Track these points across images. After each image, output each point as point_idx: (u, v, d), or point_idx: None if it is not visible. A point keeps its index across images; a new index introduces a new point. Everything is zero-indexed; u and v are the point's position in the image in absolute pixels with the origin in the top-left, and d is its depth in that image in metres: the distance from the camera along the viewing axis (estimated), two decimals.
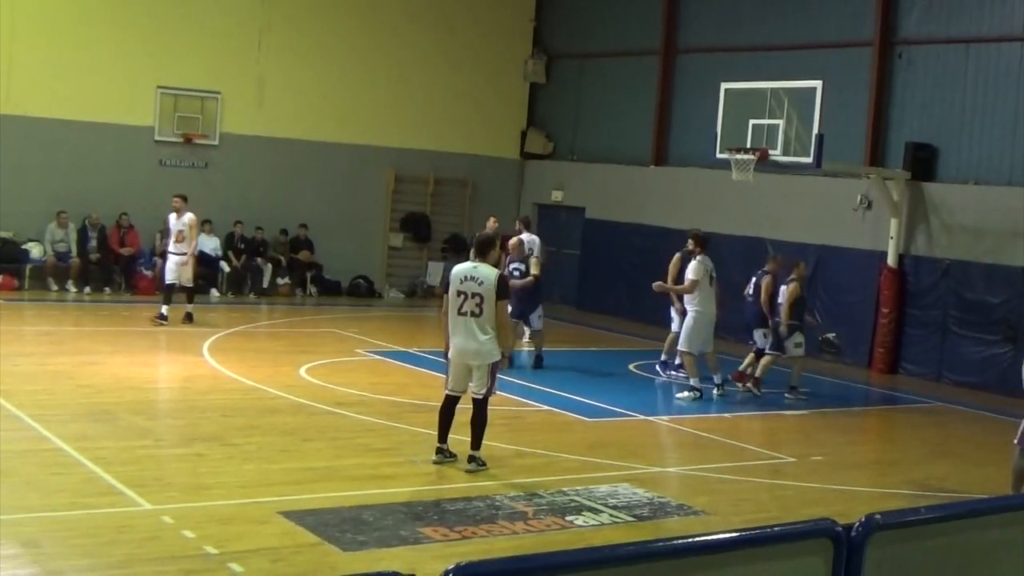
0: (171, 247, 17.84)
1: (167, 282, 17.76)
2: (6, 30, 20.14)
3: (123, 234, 21.07)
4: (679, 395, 14.74)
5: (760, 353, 15.35)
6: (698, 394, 14.49)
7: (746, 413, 14.44)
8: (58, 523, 7.95)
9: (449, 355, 10.26)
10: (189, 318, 17.61)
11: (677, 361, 15.81)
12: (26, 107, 20.42)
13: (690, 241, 15.05)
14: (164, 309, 17.35)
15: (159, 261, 21.43)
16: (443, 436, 10.32)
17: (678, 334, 15.52)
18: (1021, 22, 17.84)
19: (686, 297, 14.86)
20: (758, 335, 15.46)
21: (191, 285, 17.79)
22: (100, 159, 21.16)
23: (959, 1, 18.65)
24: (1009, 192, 17.62)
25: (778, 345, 15.22)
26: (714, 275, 15.60)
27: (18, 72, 20.32)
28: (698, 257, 14.72)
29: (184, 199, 17.77)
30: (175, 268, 17.63)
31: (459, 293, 10.02)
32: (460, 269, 10.17)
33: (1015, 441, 9.77)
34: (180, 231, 17.60)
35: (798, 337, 15.29)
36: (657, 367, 16.45)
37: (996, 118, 18.06)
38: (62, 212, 20.64)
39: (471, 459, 10.16)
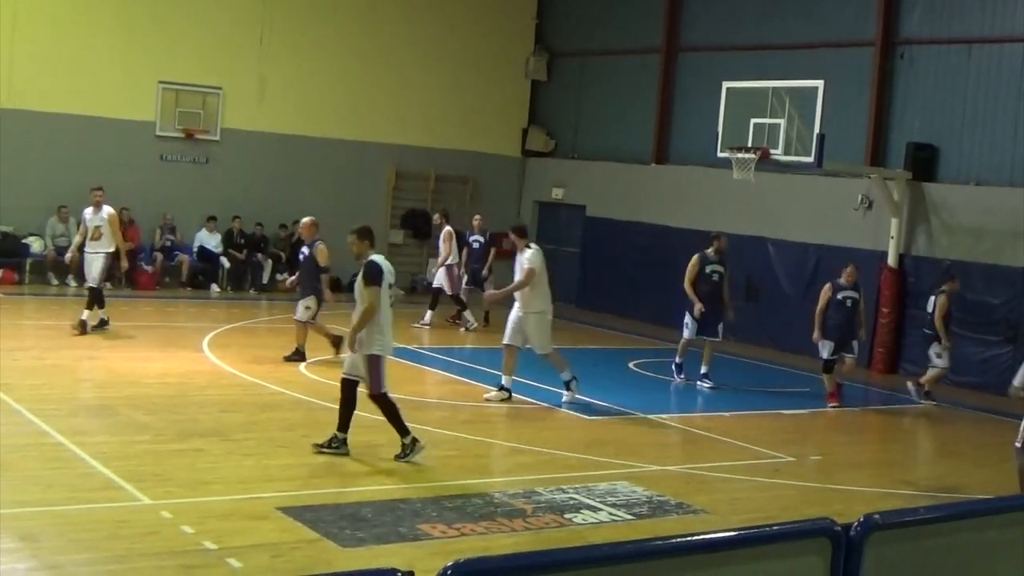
0: (87, 245, 15.93)
1: (88, 284, 15.93)
2: (7, 24, 20.14)
3: (124, 229, 21.04)
4: (487, 395, 13.39)
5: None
6: (507, 395, 13.26)
7: (746, 412, 14.43)
8: (57, 517, 7.95)
9: (387, 353, 10.19)
10: (101, 324, 15.89)
11: (703, 370, 15.56)
12: (27, 101, 20.42)
13: (512, 238, 13.83)
14: (103, 314, 15.85)
15: (159, 256, 21.45)
16: (343, 426, 10.23)
17: (689, 341, 15.52)
18: (1023, 23, 17.83)
19: (523, 296, 13.39)
20: (932, 351, 15.66)
21: (96, 286, 15.78)
22: (101, 154, 21.15)
23: (961, 2, 18.64)
24: (1010, 193, 17.61)
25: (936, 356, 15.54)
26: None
27: (19, 66, 20.32)
28: (532, 248, 13.43)
29: (102, 191, 16.12)
30: (90, 267, 15.86)
31: (389, 286, 10.20)
32: (385, 263, 10.20)
33: (1017, 443, 9.79)
34: (98, 227, 15.88)
35: (937, 347, 15.62)
36: (698, 382, 15.68)
37: (997, 119, 18.06)
38: (63, 206, 20.65)
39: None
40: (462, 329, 19.46)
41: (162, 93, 21.75)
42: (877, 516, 4.10)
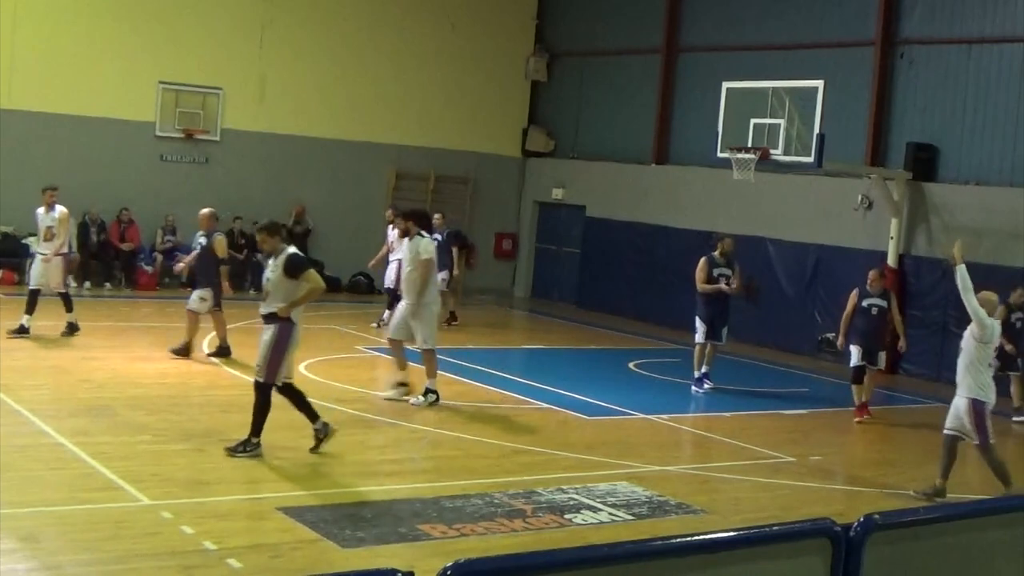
0: (40, 246, 15.32)
1: (31, 287, 15.17)
2: (8, 25, 20.14)
3: (123, 229, 21.08)
4: (412, 401, 12.72)
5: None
6: (435, 397, 12.75)
7: (746, 412, 14.42)
8: (57, 518, 7.95)
9: (295, 344, 10.12)
10: (71, 329, 15.25)
11: (704, 371, 15.37)
12: (27, 102, 20.42)
13: (400, 220, 13.30)
14: (25, 320, 14.91)
15: (159, 257, 21.45)
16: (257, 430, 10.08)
17: (703, 345, 15.25)
18: (1023, 23, 17.84)
19: (412, 287, 12.78)
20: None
21: (64, 291, 15.30)
22: (101, 154, 21.17)
23: (961, 2, 18.64)
24: (1010, 193, 17.62)
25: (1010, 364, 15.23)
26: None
27: (19, 67, 20.32)
28: (425, 236, 12.91)
29: (55, 190, 15.39)
30: (41, 271, 15.10)
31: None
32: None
33: (975, 441, 10.40)
34: (49, 227, 15.13)
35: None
36: (697, 380, 15.43)
37: (997, 119, 18.06)
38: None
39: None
40: (373, 324, 18.85)
41: (162, 93, 21.75)
42: (877, 516, 4.10)
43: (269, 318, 9.98)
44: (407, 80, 24.20)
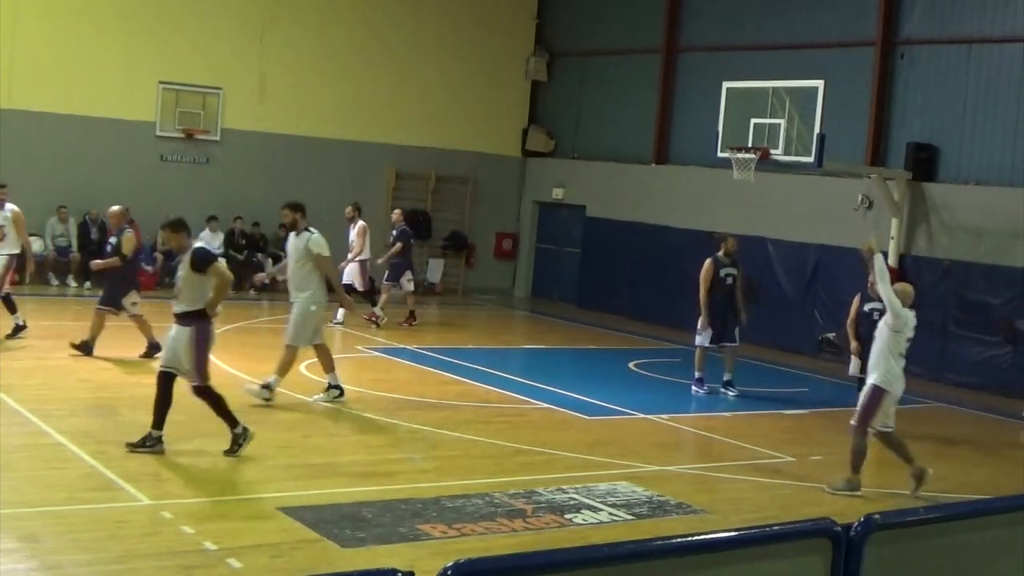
0: None
1: None
2: (8, 24, 20.14)
3: None
4: (316, 397, 12.49)
5: None
6: (338, 392, 12.47)
7: (746, 412, 14.42)
8: (57, 518, 7.95)
9: (214, 342, 10.04)
10: (17, 330, 14.83)
11: (726, 377, 15.21)
12: (28, 102, 20.43)
13: (287, 212, 12.86)
14: (17, 319, 14.76)
15: (159, 257, 21.43)
16: (159, 423, 9.93)
17: (706, 349, 15.08)
18: (1023, 23, 17.84)
19: (296, 281, 12.58)
20: None
21: (4, 294, 14.80)
22: (101, 154, 21.17)
23: (961, 2, 18.64)
24: (1010, 193, 17.62)
25: None
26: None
27: (20, 67, 20.32)
28: (313, 230, 12.60)
29: (5, 187, 15.12)
30: None
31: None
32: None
33: (852, 422, 10.59)
34: (0, 226, 14.89)
35: None
36: (722, 389, 15.26)
37: (997, 119, 18.06)
38: (63, 207, 20.65)
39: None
40: (374, 326, 18.55)
41: (162, 93, 21.75)
42: (877, 516, 4.11)
43: (183, 318, 9.82)
44: (407, 80, 24.20)
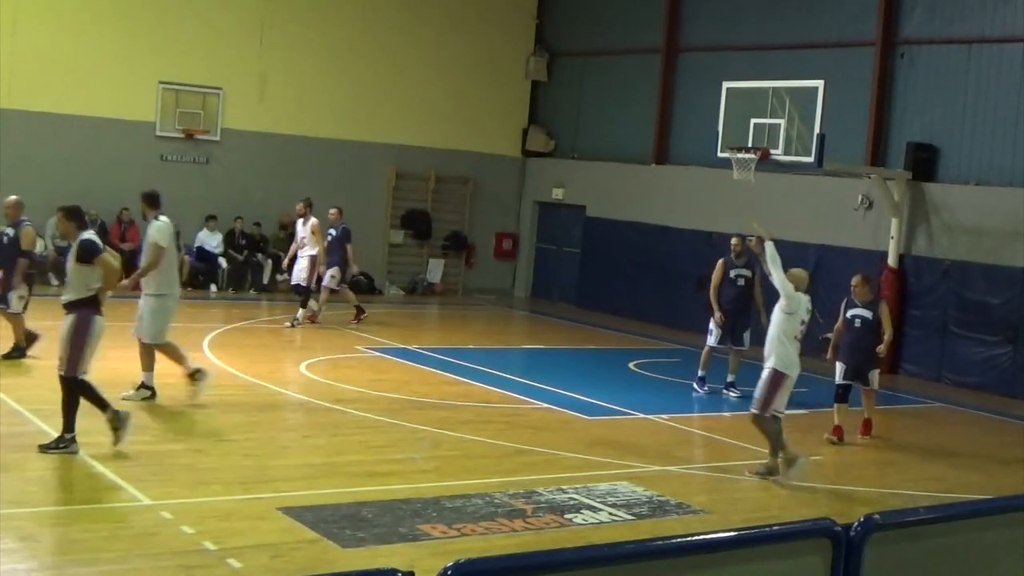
0: None
1: None
2: (8, 24, 20.14)
3: (124, 229, 21.08)
4: (123, 395, 11.62)
5: None
6: (148, 393, 11.91)
7: (746, 413, 14.39)
8: (57, 518, 7.95)
9: (97, 336, 9.75)
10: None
11: (729, 379, 15.17)
12: (27, 102, 20.43)
13: (141, 206, 12.33)
14: None
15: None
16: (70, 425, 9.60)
17: (713, 349, 14.99)
18: (1023, 23, 17.84)
19: (148, 277, 11.93)
20: None
21: None
22: (101, 154, 21.17)
23: (961, 2, 18.64)
24: (1010, 193, 17.61)
25: None
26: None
27: (20, 67, 20.32)
28: (161, 219, 11.88)
29: None
30: None
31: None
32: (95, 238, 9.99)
33: (753, 410, 10.73)
34: None
35: None
36: (724, 390, 15.17)
37: (997, 119, 18.06)
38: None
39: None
40: (287, 324, 17.85)
41: (162, 93, 21.76)
42: (877, 516, 4.10)
43: (68, 307, 9.71)
44: (407, 80, 24.21)
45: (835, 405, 12.96)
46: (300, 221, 18.34)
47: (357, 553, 7.64)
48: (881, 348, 12.82)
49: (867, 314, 12.85)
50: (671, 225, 22.31)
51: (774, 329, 10.80)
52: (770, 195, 20.24)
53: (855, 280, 13.05)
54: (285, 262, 18.98)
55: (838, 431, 12.81)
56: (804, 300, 10.93)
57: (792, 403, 15.10)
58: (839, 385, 12.94)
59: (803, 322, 10.86)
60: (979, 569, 4.50)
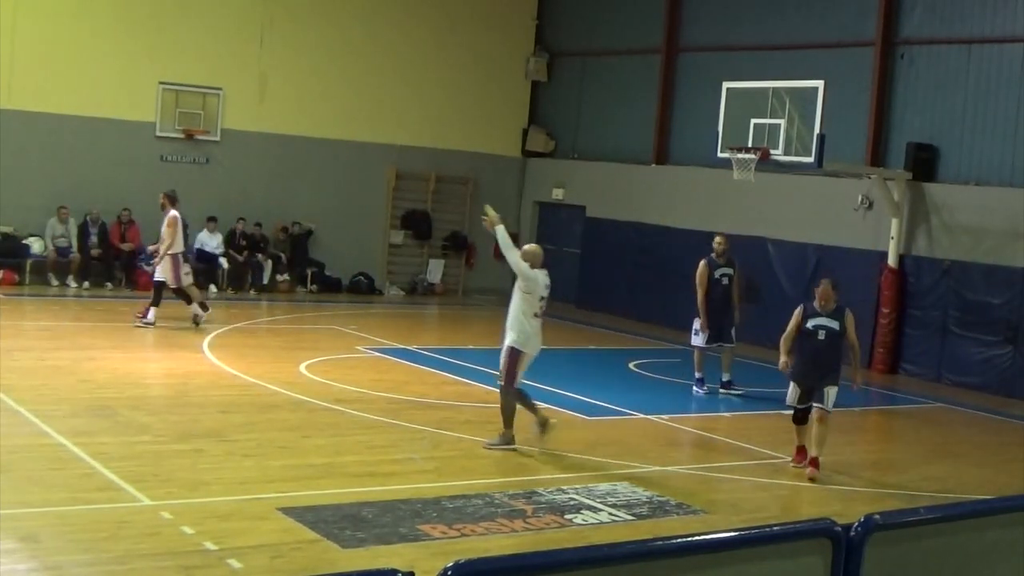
0: None
1: None
2: (7, 25, 20.14)
3: (124, 230, 21.08)
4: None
5: None
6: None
7: (746, 413, 14.43)
8: (57, 518, 7.95)
9: None
10: None
11: (725, 378, 15.22)
12: (27, 102, 20.43)
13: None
14: None
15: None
16: None
17: (703, 350, 15.04)
18: (1023, 23, 17.84)
19: None
20: None
21: None
22: (101, 154, 21.17)
23: (961, 2, 18.65)
24: (1010, 193, 17.62)
25: None
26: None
27: (19, 67, 20.32)
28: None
29: None
30: None
31: (541, 299, 11.03)
32: None
33: (499, 383, 11.03)
34: None
35: None
36: (721, 389, 15.22)
37: (997, 119, 18.06)
38: (63, 207, 20.64)
39: None
40: (197, 324, 17.02)
41: (162, 93, 21.75)
42: (877, 516, 4.10)
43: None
44: (407, 80, 24.20)
45: (795, 427, 11.37)
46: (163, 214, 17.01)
47: (357, 553, 7.64)
48: (857, 381, 11.54)
49: (833, 324, 11.07)
50: (671, 225, 22.31)
51: (514, 309, 11.00)
52: (770, 195, 20.26)
53: (824, 286, 11.25)
54: (156, 262, 17.38)
55: (803, 454, 11.19)
56: (541, 276, 11.05)
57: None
58: (795, 408, 11.24)
59: (542, 298, 11.06)
60: (979, 569, 4.50)
